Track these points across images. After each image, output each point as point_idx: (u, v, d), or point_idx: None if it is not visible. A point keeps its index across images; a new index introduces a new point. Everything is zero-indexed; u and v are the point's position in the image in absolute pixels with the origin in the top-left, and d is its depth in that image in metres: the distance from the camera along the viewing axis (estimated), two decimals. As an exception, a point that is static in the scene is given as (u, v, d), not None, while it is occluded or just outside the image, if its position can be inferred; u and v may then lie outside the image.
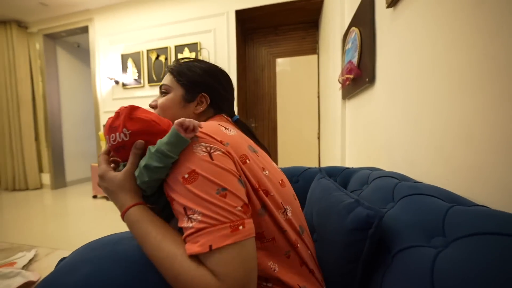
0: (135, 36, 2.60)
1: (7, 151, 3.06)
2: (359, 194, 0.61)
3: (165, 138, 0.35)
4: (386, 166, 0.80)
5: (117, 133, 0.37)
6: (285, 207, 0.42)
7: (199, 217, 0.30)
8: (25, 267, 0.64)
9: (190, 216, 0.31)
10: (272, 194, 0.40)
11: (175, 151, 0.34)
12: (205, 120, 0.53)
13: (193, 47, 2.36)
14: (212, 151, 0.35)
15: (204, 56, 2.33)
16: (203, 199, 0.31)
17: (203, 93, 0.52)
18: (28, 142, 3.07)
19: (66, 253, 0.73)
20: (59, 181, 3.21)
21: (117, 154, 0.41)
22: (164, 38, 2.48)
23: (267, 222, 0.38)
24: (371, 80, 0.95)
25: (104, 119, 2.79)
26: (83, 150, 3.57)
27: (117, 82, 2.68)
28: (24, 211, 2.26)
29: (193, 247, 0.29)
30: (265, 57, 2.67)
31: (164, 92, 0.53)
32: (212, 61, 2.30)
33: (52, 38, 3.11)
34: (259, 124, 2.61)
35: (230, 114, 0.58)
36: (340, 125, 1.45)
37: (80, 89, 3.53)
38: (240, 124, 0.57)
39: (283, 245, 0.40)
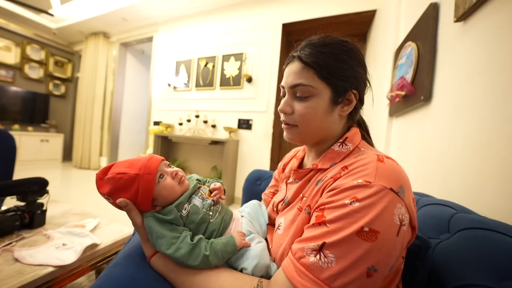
0: (189, 45, 2.93)
1: (80, 135, 3.75)
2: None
3: (224, 246, 0.37)
4: (439, 194, 0.71)
5: (106, 200, 0.39)
6: None
7: (334, 265, 0.27)
8: (91, 231, 0.77)
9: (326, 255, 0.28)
10: None
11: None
12: (341, 130, 0.43)
13: (238, 56, 2.53)
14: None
15: (248, 65, 2.47)
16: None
17: (353, 90, 0.39)
18: (95, 129, 3.68)
19: (119, 226, 0.85)
20: (113, 165, 3.76)
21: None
22: (213, 48, 2.73)
23: None
24: (427, 98, 0.87)
25: (155, 116, 3.17)
26: (134, 141, 4.10)
27: (169, 85, 3.04)
28: (88, 187, 2.69)
29: (295, 277, 0.28)
30: (306, 68, 2.64)
31: (303, 96, 0.39)
32: (255, 71, 2.37)
33: (125, 46, 3.74)
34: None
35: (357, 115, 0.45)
36: (384, 143, 1.34)
37: (139, 89, 4.09)
38: (361, 122, 0.48)
39: None
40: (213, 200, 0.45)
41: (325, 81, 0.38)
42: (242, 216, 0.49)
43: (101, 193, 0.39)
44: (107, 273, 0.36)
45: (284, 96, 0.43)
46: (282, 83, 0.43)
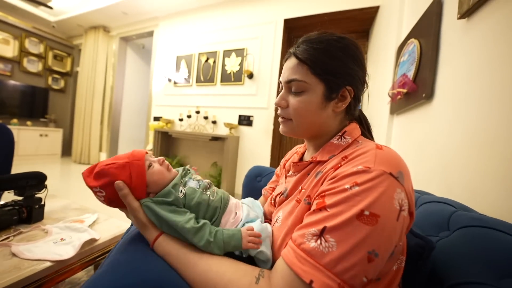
0: (190, 40, 2.90)
1: (80, 130, 3.74)
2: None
3: (228, 238, 0.37)
4: (439, 191, 0.71)
5: (97, 194, 0.39)
6: None
7: (334, 250, 0.27)
8: (90, 226, 0.77)
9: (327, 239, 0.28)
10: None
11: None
12: (338, 126, 0.43)
13: (239, 52, 2.50)
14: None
15: (249, 61, 2.44)
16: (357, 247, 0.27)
17: (347, 87, 0.40)
18: (95, 124, 3.67)
19: (118, 222, 0.85)
20: (112, 161, 3.75)
21: (116, 206, 0.41)
22: (214, 43, 2.70)
23: None
24: (429, 96, 0.86)
25: (155, 112, 3.16)
26: (134, 136, 4.09)
27: (169, 80, 3.02)
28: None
29: (295, 264, 0.28)
30: (307, 65, 2.61)
31: (297, 92, 0.40)
32: (256, 67, 2.35)
33: (125, 40, 3.70)
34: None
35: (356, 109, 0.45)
36: (385, 140, 1.34)
37: (139, 84, 4.07)
38: (362, 119, 0.47)
39: None
40: (208, 183, 0.46)
41: (318, 77, 0.39)
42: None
43: (92, 186, 0.38)
44: (113, 259, 0.34)
45: (281, 91, 0.45)
46: (280, 79, 0.44)
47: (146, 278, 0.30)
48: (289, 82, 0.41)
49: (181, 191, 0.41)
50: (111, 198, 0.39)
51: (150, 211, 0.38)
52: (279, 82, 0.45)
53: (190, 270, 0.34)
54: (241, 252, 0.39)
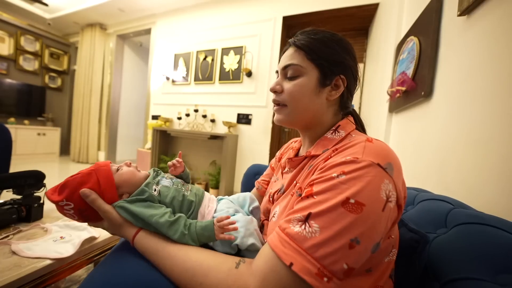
0: (188, 37, 2.87)
1: (78, 128, 3.72)
2: (402, 214, 0.56)
3: (201, 229, 0.37)
4: (436, 189, 0.72)
5: (65, 210, 0.38)
6: None
7: (317, 235, 0.27)
8: (89, 224, 0.77)
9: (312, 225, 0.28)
10: None
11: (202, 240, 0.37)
12: (332, 119, 0.44)
13: (238, 50, 2.49)
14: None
15: (248, 59, 2.43)
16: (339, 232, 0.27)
17: (340, 75, 0.41)
18: (93, 123, 3.65)
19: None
20: (111, 159, 3.73)
21: (88, 219, 0.41)
22: (213, 41, 2.68)
23: None
24: (428, 94, 0.87)
25: (153, 110, 3.14)
26: (132, 134, 4.08)
27: (167, 78, 3.00)
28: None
29: (278, 246, 0.28)
30: (306, 63, 2.61)
31: (292, 76, 0.41)
32: (254, 65, 2.33)
33: (123, 38, 3.66)
34: (293, 129, 2.60)
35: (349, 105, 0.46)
36: (384, 138, 1.34)
37: (137, 82, 4.04)
38: (354, 115, 0.47)
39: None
40: (181, 182, 0.47)
41: (313, 62, 0.41)
42: (221, 199, 0.51)
43: (58, 201, 0.37)
44: (89, 276, 0.34)
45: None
46: (277, 68, 0.46)
47: (123, 283, 0.30)
48: (285, 67, 0.42)
49: (155, 190, 0.41)
50: (81, 208, 0.38)
51: (124, 211, 0.38)
52: (276, 72, 0.46)
53: (169, 261, 0.34)
54: (237, 249, 0.40)
